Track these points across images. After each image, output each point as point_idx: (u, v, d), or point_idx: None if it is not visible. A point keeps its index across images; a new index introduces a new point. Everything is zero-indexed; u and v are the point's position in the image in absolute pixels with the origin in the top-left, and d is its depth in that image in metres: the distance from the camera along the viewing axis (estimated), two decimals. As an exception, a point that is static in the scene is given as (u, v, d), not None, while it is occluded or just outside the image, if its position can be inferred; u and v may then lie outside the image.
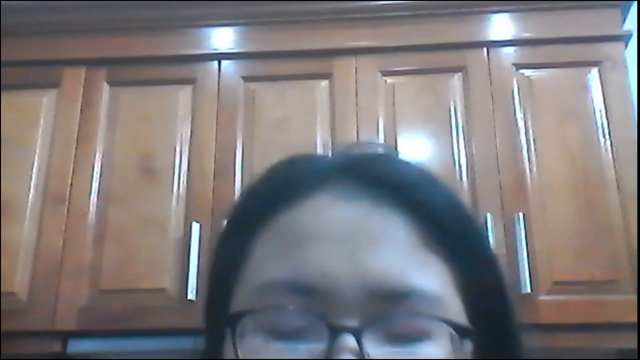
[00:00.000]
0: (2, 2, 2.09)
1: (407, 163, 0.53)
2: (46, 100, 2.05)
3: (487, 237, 0.47)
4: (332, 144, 1.93)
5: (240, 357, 0.44)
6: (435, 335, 0.45)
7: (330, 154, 0.55)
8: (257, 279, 0.47)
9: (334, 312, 0.44)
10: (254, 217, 0.50)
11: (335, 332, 0.43)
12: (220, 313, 0.49)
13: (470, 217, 0.51)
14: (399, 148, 1.92)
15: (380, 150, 0.55)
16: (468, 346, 0.46)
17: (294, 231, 0.47)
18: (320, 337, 0.43)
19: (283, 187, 0.50)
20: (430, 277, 0.46)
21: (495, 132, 1.92)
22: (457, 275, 0.48)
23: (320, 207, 0.47)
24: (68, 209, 1.91)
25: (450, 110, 1.96)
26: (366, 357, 0.42)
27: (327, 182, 0.49)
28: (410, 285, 0.45)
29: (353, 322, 0.43)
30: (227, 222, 0.54)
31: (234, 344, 0.44)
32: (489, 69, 1.99)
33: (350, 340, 0.43)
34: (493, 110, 1.94)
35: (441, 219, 0.48)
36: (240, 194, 0.55)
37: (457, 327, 0.45)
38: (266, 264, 0.47)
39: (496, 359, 0.49)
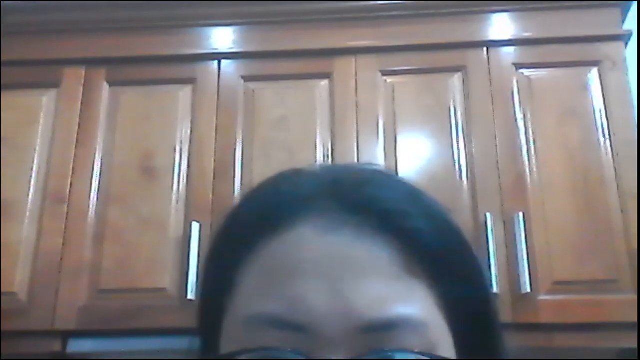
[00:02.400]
0: (2, 2, 2.09)
1: (394, 186, 0.52)
2: (46, 100, 2.05)
3: (474, 256, 0.48)
4: (332, 144, 1.94)
5: None
6: None
7: (316, 172, 0.54)
8: (244, 312, 0.47)
9: (320, 348, 0.44)
10: (239, 246, 0.50)
11: None
12: (212, 341, 0.50)
13: (458, 238, 0.51)
14: (398, 150, 1.92)
15: (369, 171, 0.54)
16: None
17: (279, 265, 0.47)
18: None
19: (267, 215, 0.50)
20: (414, 305, 0.46)
21: (495, 132, 1.92)
22: (441, 299, 0.48)
23: (304, 239, 0.48)
24: (68, 209, 1.91)
25: (450, 110, 1.96)
26: None
27: (311, 209, 0.49)
28: (394, 314, 0.45)
29: (338, 358, 0.44)
30: (213, 249, 0.54)
31: None
32: (489, 68, 1.99)
33: None
34: (493, 110, 1.94)
35: (424, 244, 0.48)
36: (225, 219, 0.54)
37: None
38: (252, 296, 0.48)
39: None
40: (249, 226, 0.50)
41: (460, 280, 0.49)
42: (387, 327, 0.45)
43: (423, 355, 0.45)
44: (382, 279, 0.46)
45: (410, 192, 0.52)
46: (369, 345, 0.44)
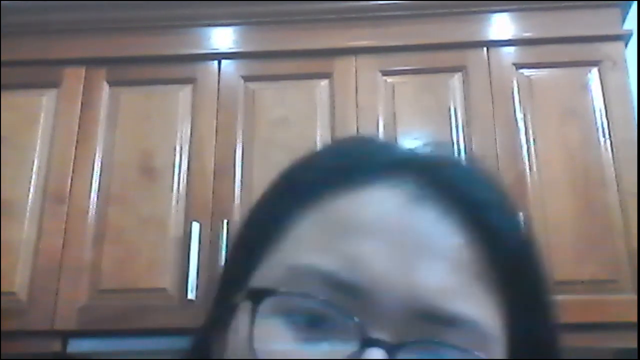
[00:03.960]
0: (2, 2, 2.09)
1: (479, 175, 0.49)
2: (46, 100, 2.05)
3: (544, 274, 0.47)
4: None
5: (255, 340, 0.41)
6: None
7: (394, 143, 0.52)
8: (292, 259, 0.43)
9: (370, 319, 0.40)
10: (305, 191, 0.46)
11: (367, 343, 0.39)
12: (237, 283, 0.46)
13: (533, 248, 0.47)
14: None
15: (451, 155, 0.51)
16: None
17: (347, 220, 0.43)
18: (348, 341, 0.40)
19: (346, 168, 0.46)
20: (476, 303, 0.42)
21: (495, 132, 1.92)
22: (503, 304, 0.44)
23: (380, 201, 0.44)
24: (68, 209, 1.91)
25: (450, 110, 1.96)
26: None
27: (394, 175, 0.45)
28: (457, 311, 0.41)
29: (388, 337, 0.40)
30: (272, 187, 0.50)
31: (251, 322, 0.41)
32: (489, 68, 1.99)
33: (379, 355, 0.39)
34: (493, 110, 1.94)
35: (503, 243, 0.44)
36: (295, 164, 0.50)
37: None
38: (306, 246, 0.44)
39: None
40: (322, 176, 0.46)
41: (527, 293, 0.45)
42: (446, 322, 0.41)
43: (469, 355, 0.41)
44: (450, 265, 0.42)
45: (495, 187, 0.49)
46: (418, 329, 0.40)
